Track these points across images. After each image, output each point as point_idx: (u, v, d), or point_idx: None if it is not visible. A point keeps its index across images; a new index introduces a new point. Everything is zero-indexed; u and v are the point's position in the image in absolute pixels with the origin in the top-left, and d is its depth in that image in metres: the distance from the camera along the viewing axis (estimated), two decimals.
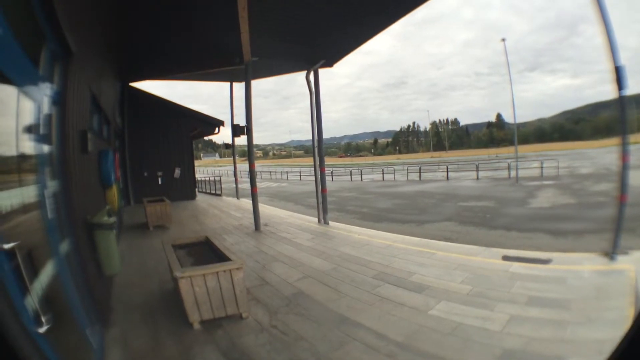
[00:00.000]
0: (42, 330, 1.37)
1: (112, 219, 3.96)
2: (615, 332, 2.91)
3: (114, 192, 5.27)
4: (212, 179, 19.66)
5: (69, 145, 2.88)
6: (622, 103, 4.67)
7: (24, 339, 1.18)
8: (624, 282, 4.01)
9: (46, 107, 2.26)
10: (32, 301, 1.41)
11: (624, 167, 4.83)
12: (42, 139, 2.14)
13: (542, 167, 21.48)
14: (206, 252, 4.60)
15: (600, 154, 35.18)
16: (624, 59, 4.58)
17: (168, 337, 3.39)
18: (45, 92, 2.28)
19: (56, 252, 2.12)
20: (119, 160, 10.25)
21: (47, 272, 1.80)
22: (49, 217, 2.09)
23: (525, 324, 3.30)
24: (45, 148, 2.21)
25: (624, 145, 4.78)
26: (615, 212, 4.88)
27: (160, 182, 14.55)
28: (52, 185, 2.28)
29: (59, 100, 2.68)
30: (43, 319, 1.41)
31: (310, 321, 3.66)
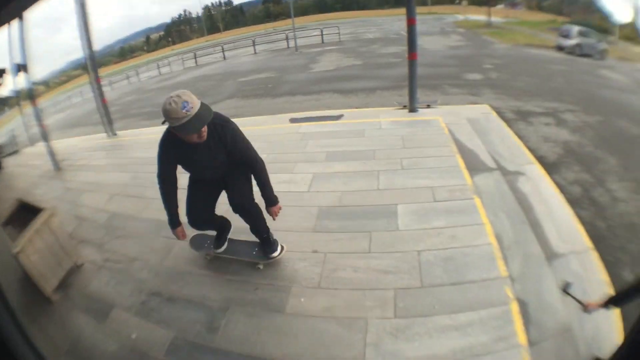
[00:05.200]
0: None
1: None
2: (446, 181, 3.09)
3: None
4: None
5: None
6: None
7: None
8: (437, 132, 4.06)
9: None
10: None
11: (411, 29, 5.16)
12: None
13: (322, 35, 20.43)
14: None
15: (389, 22, 36.56)
16: None
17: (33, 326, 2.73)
18: None
19: None
20: None
21: None
22: None
23: (332, 180, 3.39)
24: None
25: (410, 11, 5.14)
26: (408, 70, 5.18)
27: None
28: None
29: None
30: None
31: (133, 238, 3.52)
